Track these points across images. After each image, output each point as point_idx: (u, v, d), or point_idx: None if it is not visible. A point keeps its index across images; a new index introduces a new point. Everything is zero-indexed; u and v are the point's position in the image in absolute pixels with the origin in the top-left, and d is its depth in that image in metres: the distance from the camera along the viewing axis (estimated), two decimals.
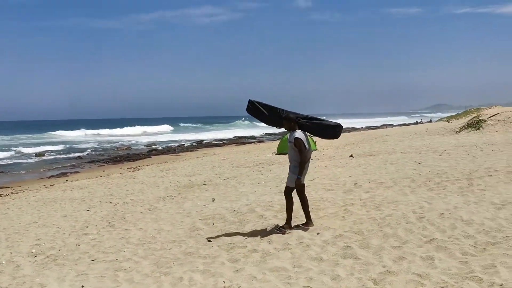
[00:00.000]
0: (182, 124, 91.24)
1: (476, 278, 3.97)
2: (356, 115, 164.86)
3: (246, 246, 5.99)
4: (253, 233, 6.64)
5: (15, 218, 10.93)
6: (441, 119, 55.77)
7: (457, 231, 5.35)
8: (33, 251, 7.48)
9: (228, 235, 6.81)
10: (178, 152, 36.01)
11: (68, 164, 29.84)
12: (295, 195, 6.43)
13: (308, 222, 6.46)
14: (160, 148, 42.00)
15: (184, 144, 45.47)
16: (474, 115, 48.00)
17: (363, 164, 12.30)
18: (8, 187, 19.26)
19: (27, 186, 19.21)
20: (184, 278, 5.16)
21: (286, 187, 6.36)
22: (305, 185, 6.48)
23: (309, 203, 7.94)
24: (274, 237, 6.20)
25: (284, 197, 6.56)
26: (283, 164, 16.35)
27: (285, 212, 6.58)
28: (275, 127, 6.76)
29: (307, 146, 6.13)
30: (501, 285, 3.80)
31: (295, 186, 6.26)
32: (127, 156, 34.70)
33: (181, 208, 9.78)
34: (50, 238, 8.28)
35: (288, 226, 6.43)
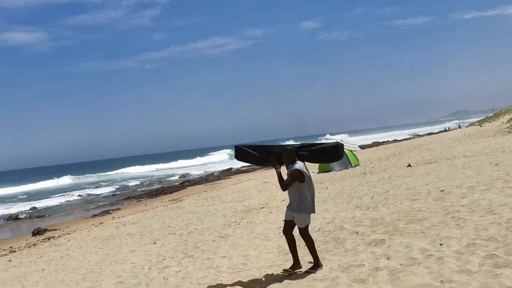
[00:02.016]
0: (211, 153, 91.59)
1: None
2: (376, 130, 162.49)
3: (364, 265, 5.46)
4: (359, 251, 6.11)
5: (81, 258, 10.57)
6: (472, 124, 54.58)
7: None
8: None
9: (331, 254, 6.29)
10: (211, 181, 35.77)
11: (107, 203, 29.84)
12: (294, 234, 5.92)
13: (317, 264, 5.76)
14: (192, 178, 41.97)
15: (213, 173, 45.33)
16: (506, 116, 47.07)
17: (431, 172, 11.68)
18: (56, 229, 19.10)
19: (75, 226, 19.00)
20: None
21: (300, 230, 5.77)
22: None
23: (400, 214, 7.44)
24: (391, 252, 5.66)
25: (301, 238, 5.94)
26: (334, 181, 15.81)
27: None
28: (270, 167, 6.05)
29: (309, 176, 5.66)
30: None
31: (309, 223, 5.81)
32: (162, 189, 34.59)
33: (254, 232, 9.31)
34: (130, 274, 7.85)
35: (317, 264, 5.76)
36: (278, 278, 5.87)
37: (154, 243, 10.60)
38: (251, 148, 6.08)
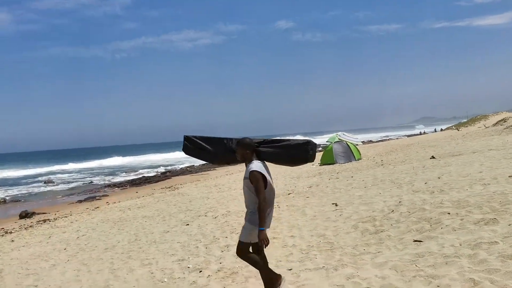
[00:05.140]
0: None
1: None
2: (348, 132, 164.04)
3: (497, 242, 4.89)
4: (472, 230, 5.54)
5: (104, 238, 9.65)
6: (448, 128, 55.98)
7: None
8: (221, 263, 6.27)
9: (438, 233, 5.71)
10: (195, 172, 34.81)
11: (86, 190, 28.46)
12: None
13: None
14: (176, 169, 40.86)
15: (194, 165, 44.22)
16: (482, 121, 48.47)
17: (472, 162, 11.33)
18: (45, 213, 17.79)
19: (67, 210, 17.75)
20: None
21: (239, 243, 4.49)
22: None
23: (483, 197, 6.95)
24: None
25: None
26: (352, 171, 15.34)
27: None
28: (225, 165, 4.97)
29: (270, 181, 4.37)
30: None
31: (257, 240, 4.28)
32: (144, 178, 33.45)
33: (306, 214, 8.63)
34: (187, 253, 7.05)
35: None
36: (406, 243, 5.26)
37: (187, 224, 9.77)
38: (203, 140, 4.89)
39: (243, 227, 4.50)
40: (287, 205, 10.05)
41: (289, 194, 11.97)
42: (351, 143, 21.82)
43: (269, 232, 4.59)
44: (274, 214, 9.14)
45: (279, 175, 18.42)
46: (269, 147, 4.61)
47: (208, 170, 35.37)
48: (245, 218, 4.54)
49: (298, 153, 4.63)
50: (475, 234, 5.37)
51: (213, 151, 4.85)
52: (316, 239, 6.68)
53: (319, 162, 21.97)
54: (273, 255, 6.20)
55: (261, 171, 4.28)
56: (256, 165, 4.34)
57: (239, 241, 4.50)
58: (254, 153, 4.49)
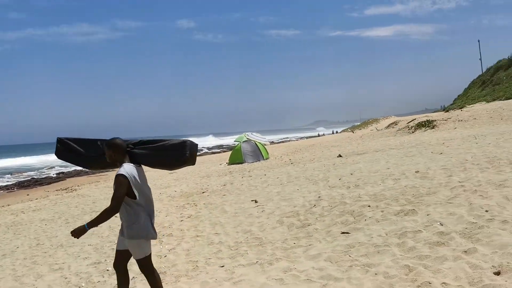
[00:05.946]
0: None
1: None
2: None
3: (421, 231, 5.13)
4: (395, 220, 5.78)
5: (8, 242, 8.54)
6: (344, 130, 59.52)
7: None
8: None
9: (363, 225, 5.87)
10: (93, 173, 32.93)
11: None
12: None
13: None
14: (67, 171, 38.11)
15: None
16: (374, 124, 52.36)
17: (378, 159, 11.98)
18: None
19: None
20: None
21: (138, 262, 3.99)
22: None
23: (396, 191, 7.35)
24: (438, 219, 5.44)
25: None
26: (264, 169, 15.50)
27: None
28: (100, 169, 4.56)
29: (136, 183, 3.83)
30: None
31: (150, 252, 4.00)
32: (34, 180, 30.85)
33: (226, 212, 8.45)
34: (103, 255, 6.46)
35: None
36: (344, 244, 5.27)
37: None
38: (77, 143, 4.35)
39: (129, 246, 3.93)
40: (204, 203, 9.79)
41: (203, 192, 11.69)
42: (259, 143, 22.11)
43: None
44: (192, 212, 8.93)
45: (188, 175, 18.04)
46: (144, 148, 4.12)
47: (107, 171, 33.63)
48: (122, 234, 3.99)
49: (174, 155, 4.11)
50: (398, 224, 5.60)
51: (86, 154, 4.30)
52: (243, 235, 6.53)
53: (228, 161, 21.99)
54: (201, 253, 5.94)
55: (129, 176, 3.79)
56: (125, 168, 3.84)
57: (136, 260, 3.98)
58: (127, 155, 4.02)
